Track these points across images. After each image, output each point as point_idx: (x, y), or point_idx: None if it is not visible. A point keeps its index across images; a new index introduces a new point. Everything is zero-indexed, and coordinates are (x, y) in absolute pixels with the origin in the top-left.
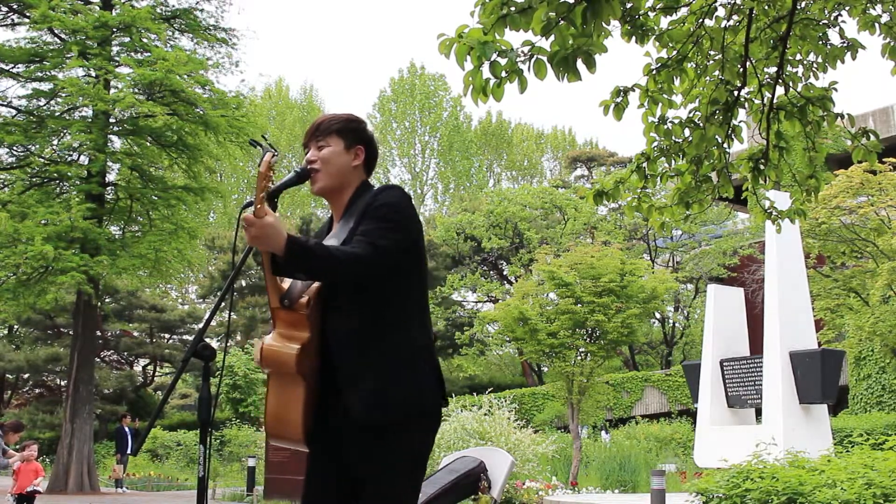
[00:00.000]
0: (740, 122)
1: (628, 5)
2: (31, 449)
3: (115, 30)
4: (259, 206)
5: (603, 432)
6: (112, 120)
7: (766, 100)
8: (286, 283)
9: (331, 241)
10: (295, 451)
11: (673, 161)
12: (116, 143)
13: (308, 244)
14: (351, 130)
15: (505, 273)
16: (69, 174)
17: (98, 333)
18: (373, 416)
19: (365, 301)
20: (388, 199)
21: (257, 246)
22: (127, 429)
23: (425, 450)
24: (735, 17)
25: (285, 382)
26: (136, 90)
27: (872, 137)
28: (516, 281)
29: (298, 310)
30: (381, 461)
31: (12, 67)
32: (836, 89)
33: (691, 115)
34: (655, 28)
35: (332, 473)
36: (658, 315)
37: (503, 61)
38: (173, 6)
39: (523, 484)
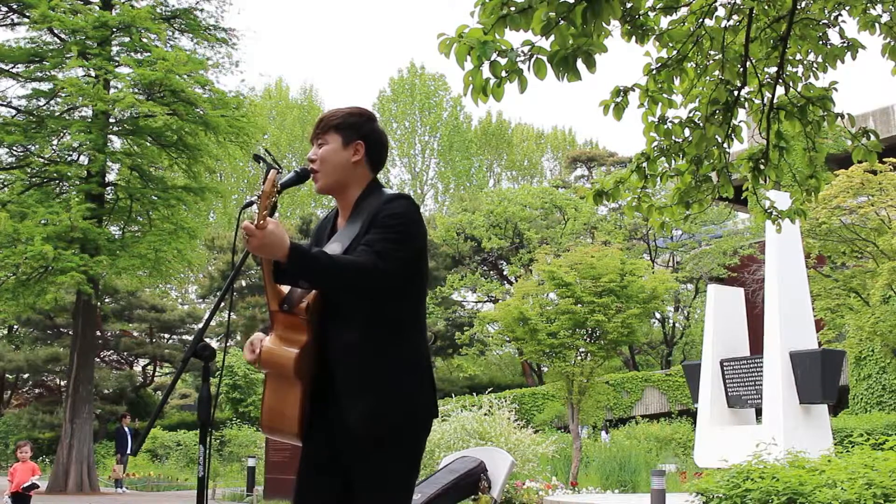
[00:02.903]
0: (740, 122)
1: (628, 5)
2: (24, 450)
3: (114, 30)
4: (262, 221)
5: (603, 432)
6: (112, 120)
7: (766, 100)
8: (286, 286)
9: (334, 243)
10: (295, 451)
11: (673, 161)
12: (116, 143)
13: (311, 252)
14: (349, 125)
15: (505, 273)
16: (69, 174)
17: (98, 333)
18: (372, 428)
19: (367, 308)
20: (395, 210)
21: (260, 254)
22: (126, 429)
23: (420, 453)
24: (735, 17)
25: (282, 383)
26: (136, 90)
27: (872, 137)
28: (516, 281)
29: (298, 314)
30: (377, 467)
31: (12, 67)
32: (836, 89)
33: (691, 115)
34: (655, 28)
35: (328, 474)
36: (658, 315)
37: (503, 61)
38: (173, 6)
39: (523, 484)
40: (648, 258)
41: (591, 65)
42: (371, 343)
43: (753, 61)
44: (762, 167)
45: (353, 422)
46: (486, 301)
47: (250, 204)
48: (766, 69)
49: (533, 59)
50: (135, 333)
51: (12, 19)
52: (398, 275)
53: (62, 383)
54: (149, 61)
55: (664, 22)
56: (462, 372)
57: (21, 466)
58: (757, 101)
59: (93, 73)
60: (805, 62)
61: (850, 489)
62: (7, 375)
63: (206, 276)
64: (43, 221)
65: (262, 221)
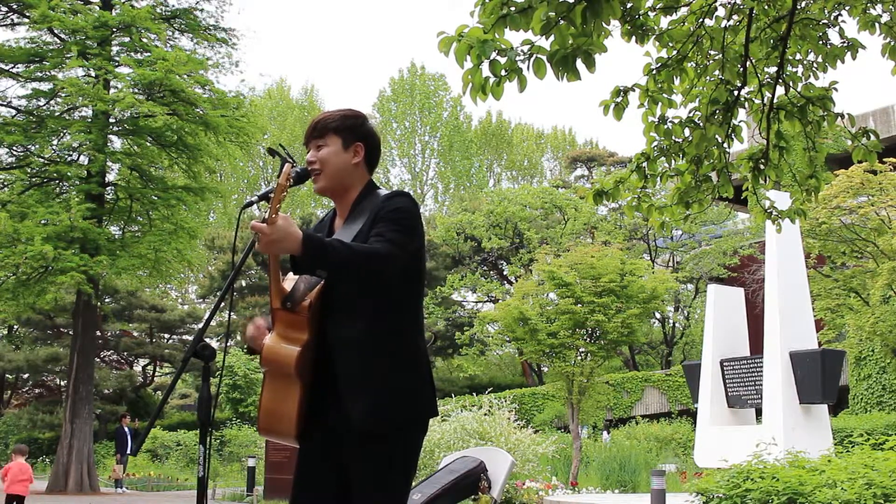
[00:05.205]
0: (740, 122)
1: (628, 5)
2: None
3: (114, 30)
4: (273, 215)
5: (604, 432)
6: (112, 120)
7: (766, 100)
8: (288, 284)
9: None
10: (295, 451)
11: (673, 161)
12: (116, 143)
13: (326, 241)
14: (348, 128)
15: (505, 273)
16: (69, 174)
17: (98, 333)
18: (374, 425)
19: (368, 306)
20: (399, 205)
21: (272, 251)
22: (126, 429)
23: (417, 452)
24: (735, 17)
25: (282, 381)
26: (136, 90)
27: (872, 137)
28: (516, 281)
29: (300, 312)
30: (377, 463)
31: (12, 67)
32: (836, 89)
33: (691, 114)
34: (655, 28)
35: (326, 471)
36: (658, 315)
37: (503, 60)
38: (173, 6)
39: (523, 484)
40: (648, 258)
41: (590, 65)
42: (371, 341)
43: (753, 61)
44: (762, 167)
45: (354, 419)
46: (486, 301)
47: (250, 204)
48: (766, 69)
49: (532, 59)
50: (135, 333)
51: (12, 19)
52: (409, 266)
53: (62, 383)
54: (149, 61)
55: (664, 22)
56: (462, 372)
57: (15, 466)
58: (757, 101)
59: (93, 73)
60: (805, 62)
61: (850, 489)
62: (7, 375)
63: (206, 276)
64: (43, 221)
65: (273, 216)
